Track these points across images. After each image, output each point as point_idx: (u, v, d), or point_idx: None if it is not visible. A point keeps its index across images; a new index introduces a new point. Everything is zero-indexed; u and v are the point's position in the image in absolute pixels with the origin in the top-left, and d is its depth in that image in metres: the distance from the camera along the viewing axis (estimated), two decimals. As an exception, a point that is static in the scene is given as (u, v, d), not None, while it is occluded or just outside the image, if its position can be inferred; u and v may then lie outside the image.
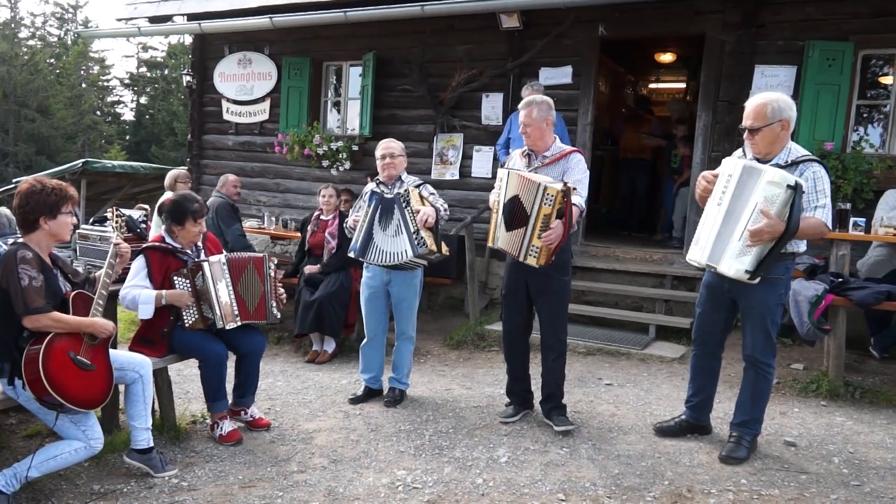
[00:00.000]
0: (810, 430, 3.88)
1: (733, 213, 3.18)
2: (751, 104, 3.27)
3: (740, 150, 3.47)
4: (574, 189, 3.52)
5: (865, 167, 5.65)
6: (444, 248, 4.10)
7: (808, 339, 4.58)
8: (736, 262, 3.16)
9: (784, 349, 5.27)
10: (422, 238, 3.90)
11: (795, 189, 3.03)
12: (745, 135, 3.30)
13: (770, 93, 3.33)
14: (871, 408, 4.31)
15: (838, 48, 5.76)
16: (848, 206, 5.16)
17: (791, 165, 3.22)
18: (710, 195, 3.31)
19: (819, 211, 3.16)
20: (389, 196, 4.07)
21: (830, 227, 3.27)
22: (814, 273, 4.77)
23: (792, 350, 5.38)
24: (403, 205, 3.97)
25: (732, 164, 3.26)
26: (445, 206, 4.19)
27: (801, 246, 3.34)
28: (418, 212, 3.93)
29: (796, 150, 3.28)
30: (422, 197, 4.07)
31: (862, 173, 5.64)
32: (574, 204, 3.50)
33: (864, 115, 6.12)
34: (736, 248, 3.15)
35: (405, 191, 4.01)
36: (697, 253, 3.33)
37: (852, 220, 5.00)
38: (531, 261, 3.52)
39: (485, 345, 5.86)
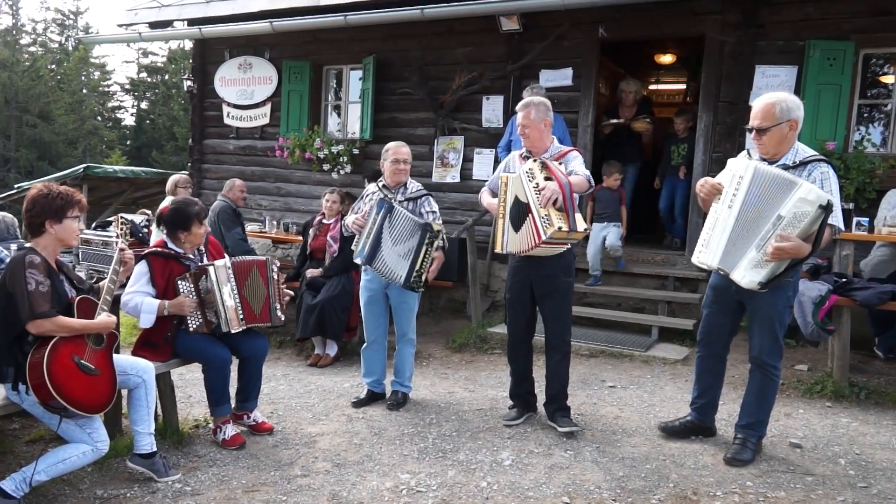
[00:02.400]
0: (815, 431, 3.86)
1: (756, 221, 3.10)
2: (758, 104, 3.23)
3: (745, 152, 3.43)
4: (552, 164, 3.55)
5: (868, 167, 5.64)
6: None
7: (813, 340, 4.57)
8: (750, 273, 3.11)
9: (788, 350, 5.21)
10: (420, 281, 4.03)
11: (826, 209, 2.97)
12: (753, 135, 3.25)
13: (777, 92, 3.29)
14: (876, 408, 4.29)
15: (839, 48, 5.76)
16: (851, 205, 5.15)
17: (799, 166, 3.19)
18: (720, 196, 3.25)
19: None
20: (422, 221, 4.02)
21: (843, 228, 3.23)
22: (817, 273, 4.75)
23: (796, 351, 5.36)
24: (427, 241, 3.99)
25: (742, 166, 3.20)
26: (446, 242, 4.28)
27: None
28: (433, 259, 4.06)
29: (803, 151, 3.25)
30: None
31: (864, 173, 5.63)
32: (562, 172, 3.49)
33: (866, 115, 6.11)
34: (753, 259, 3.10)
35: (437, 231, 4.03)
36: (707, 256, 3.26)
37: (855, 219, 4.99)
38: (550, 230, 3.25)
39: (487, 347, 5.85)
